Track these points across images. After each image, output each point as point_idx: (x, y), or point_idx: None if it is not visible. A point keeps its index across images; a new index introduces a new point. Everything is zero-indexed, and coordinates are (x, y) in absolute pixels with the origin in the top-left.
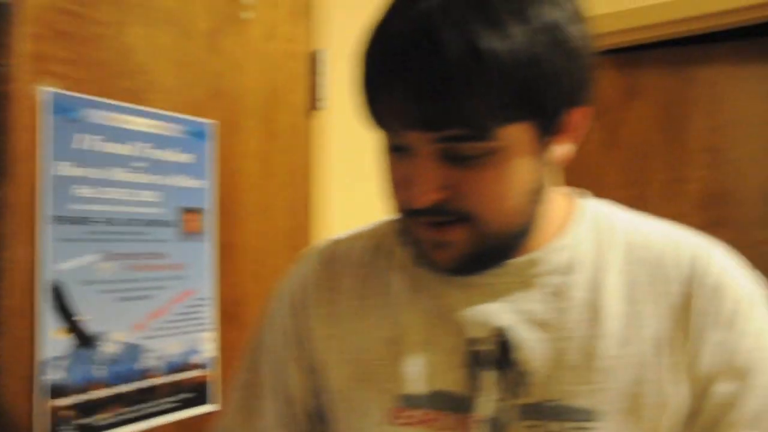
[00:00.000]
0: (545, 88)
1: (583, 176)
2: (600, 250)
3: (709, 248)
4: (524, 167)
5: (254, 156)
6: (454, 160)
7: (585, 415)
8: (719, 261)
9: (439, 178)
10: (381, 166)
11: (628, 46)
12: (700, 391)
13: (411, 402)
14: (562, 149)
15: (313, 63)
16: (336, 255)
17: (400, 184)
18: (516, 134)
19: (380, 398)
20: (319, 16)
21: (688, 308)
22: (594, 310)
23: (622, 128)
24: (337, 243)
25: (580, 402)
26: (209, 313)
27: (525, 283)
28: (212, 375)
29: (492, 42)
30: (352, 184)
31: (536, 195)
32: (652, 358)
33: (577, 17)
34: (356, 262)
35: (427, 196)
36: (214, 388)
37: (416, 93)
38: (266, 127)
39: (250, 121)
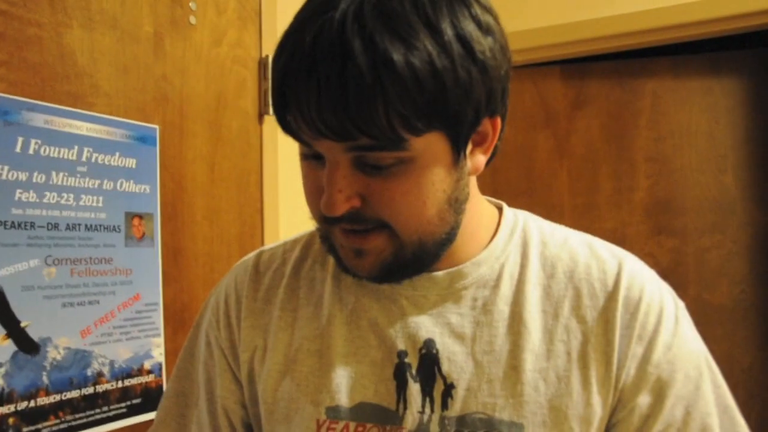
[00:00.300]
0: (456, 100)
1: (533, 184)
2: (524, 263)
3: (630, 262)
4: (438, 176)
5: (201, 161)
6: (366, 168)
7: (510, 427)
8: (640, 275)
9: (353, 187)
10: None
11: (576, 57)
12: (624, 404)
13: (334, 414)
14: (476, 159)
15: (262, 68)
16: (269, 266)
17: (315, 192)
18: (428, 144)
19: (307, 410)
20: (267, 21)
21: (612, 322)
22: (516, 324)
23: (570, 137)
24: (271, 253)
25: (505, 414)
26: (157, 319)
27: (451, 295)
28: (160, 381)
29: (401, 54)
30: (300, 190)
31: (456, 204)
32: (575, 371)
33: (490, 29)
34: (289, 273)
35: (340, 205)
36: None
37: (325, 103)
38: (213, 132)
39: (196, 126)
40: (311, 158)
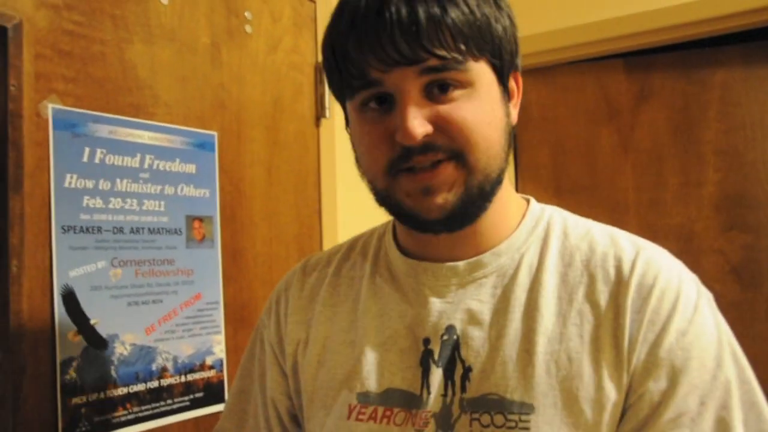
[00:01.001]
0: (497, 34)
1: (597, 180)
2: (543, 253)
3: (650, 250)
4: (496, 104)
5: (259, 164)
6: (435, 94)
7: (521, 407)
8: (657, 262)
9: (425, 113)
10: (354, 138)
11: (640, 49)
12: (635, 389)
13: (365, 399)
14: (513, 111)
15: (318, 73)
16: (315, 267)
17: (379, 141)
18: (481, 71)
19: (341, 396)
20: (323, 27)
21: (623, 306)
22: (531, 309)
23: (635, 131)
24: (318, 257)
25: (516, 395)
26: (218, 317)
27: (471, 284)
28: (221, 376)
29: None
30: (358, 190)
31: (508, 139)
32: (587, 354)
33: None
34: (332, 272)
35: (418, 130)
36: (223, 389)
37: (399, 32)
38: (270, 137)
39: (253, 131)
40: (372, 105)
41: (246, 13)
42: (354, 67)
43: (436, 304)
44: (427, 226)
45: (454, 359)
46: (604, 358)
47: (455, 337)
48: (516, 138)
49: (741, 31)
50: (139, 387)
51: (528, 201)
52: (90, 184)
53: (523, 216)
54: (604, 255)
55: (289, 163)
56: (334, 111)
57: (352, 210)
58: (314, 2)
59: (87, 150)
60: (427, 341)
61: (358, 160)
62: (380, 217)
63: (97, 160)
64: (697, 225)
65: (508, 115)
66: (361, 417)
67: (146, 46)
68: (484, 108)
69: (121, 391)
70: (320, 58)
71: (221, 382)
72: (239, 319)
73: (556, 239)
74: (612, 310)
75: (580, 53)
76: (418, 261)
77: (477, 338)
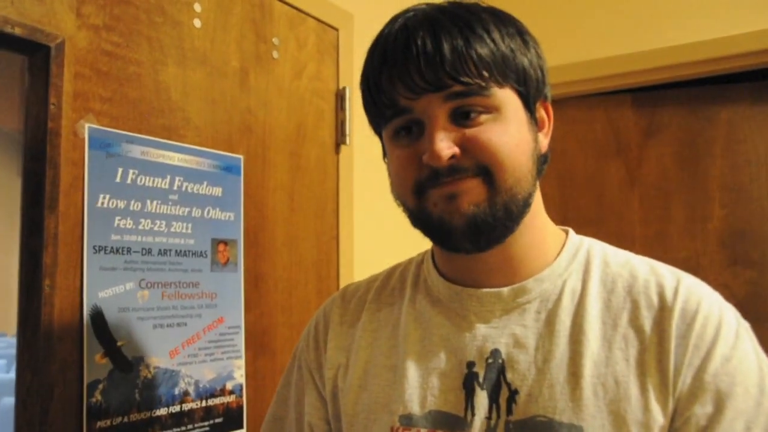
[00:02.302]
0: (521, 63)
1: (604, 213)
2: (585, 279)
3: (690, 279)
4: (522, 129)
5: (282, 189)
6: (460, 119)
7: (570, 429)
8: (698, 290)
9: (452, 136)
10: (389, 163)
11: (648, 85)
12: (681, 413)
13: (408, 422)
14: (541, 141)
15: (339, 100)
16: (355, 294)
17: (409, 163)
18: (506, 98)
19: (383, 419)
20: (344, 55)
21: (668, 332)
22: (576, 333)
23: (642, 166)
24: (356, 285)
25: (565, 417)
26: (239, 342)
27: (515, 309)
28: (241, 401)
29: (480, 25)
30: (377, 217)
31: (537, 164)
32: (633, 378)
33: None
34: (371, 299)
35: (445, 151)
36: (243, 414)
37: (425, 62)
38: (293, 162)
39: (277, 156)
40: (402, 133)
41: (274, 39)
42: (386, 97)
43: (481, 328)
44: (454, 238)
45: (499, 382)
46: (650, 382)
47: (500, 360)
48: None
49: (747, 71)
50: (162, 411)
51: (566, 232)
52: (122, 204)
53: (563, 245)
54: (646, 282)
55: (309, 188)
56: (354, 138)
57: (368, 237)
58: (337, 30)
59: (120, 170)
60: (471, 364)
61: (392, 186)
62: (396, 245)
63: (129, 181)
64: (703, 259)
65: (536, 141)
66: None
67: (179, 68)
68: (510, 131)
69: (144, 415)
70: (341, 85)
71: (240, 408)
72: (259, 345)
73: (597, 267)
74: (657, 335)
75: (589, 88)
76: (462, 287)
77: (523, 362)
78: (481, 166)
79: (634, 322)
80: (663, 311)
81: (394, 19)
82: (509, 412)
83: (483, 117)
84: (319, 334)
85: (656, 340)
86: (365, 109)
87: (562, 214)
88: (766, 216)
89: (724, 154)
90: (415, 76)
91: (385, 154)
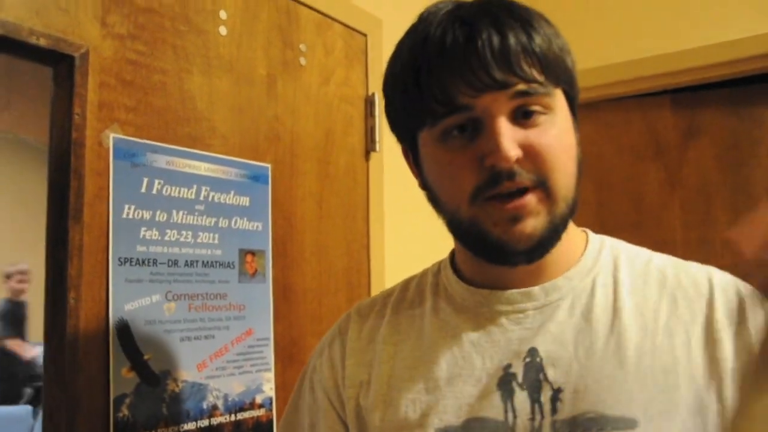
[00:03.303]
0: (569, 65)
1: (643, 217)
2: (615, 275)
3: (719, 271)
4: (571, 131)
5: (310, 198)
6: (521, 119)
7: (625, 422)
8: (727, 277)
9: (515, 136)
10: (431, 169)
11: (688, 86)
12: (729, 389)
13: None
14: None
15: (368, 106)
16: (371, 309)
17: (464, 168)
18: (559, 99)
19: None
20: (373, 60)
21: (714, 322)
22: (616, 327)
23: (683, 169)
24: (371, 301)
25: (617, 411)
26: (268, 354)
27: (548, 307)
28: (270, 415)
29: (536, 23)
30: (408, 224)
31: (580, 169)
32: (681, 367)
33: None
34: (390, 312)
35: (512, 151)
36: (272, 428)
37: (491, 59)
38: (322, 169)
39: (305, 164)
40: (455, 133)
41: (301, 46)
42: (441, 92)
43: (514, 330)
44: (511, 257)
45: (539, 381)
46: (700, 370)
47: (539, 359)
48: None
49: None
50: (190, 426)
51: (585, 232)
52: (147, 215)
53: (585, 244)
54: (676, 277)
55: (339, 196)
56: (384, 144)
57: (399, 244)
58: (365, 36)
59: (145, 180)
60: (508, 366)
61: (432, 194)
62: (427, 252)
63: (154, 191)
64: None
65: (579, 144)
66: None
67: (205, 77)
68: (563, 135)
69: (172, 429)
70: (371, 90)
71: (270, 422)
72: (288, 356)
73: (625, 263)
74: (701, 325)
75: (626, 90)
76: (489, 290)
77: (563, 359)
78: (541, 179)
79: (675, 313)
80: (700, 300)
81: (429, 15)
82: (554, 411)
83: (542, 118)
84: (335, 353)
85: (701, 329)
86: (399, 106)
87: (600, 220)
88: None
89: None
90: (480, 73)
91: (411, 156)
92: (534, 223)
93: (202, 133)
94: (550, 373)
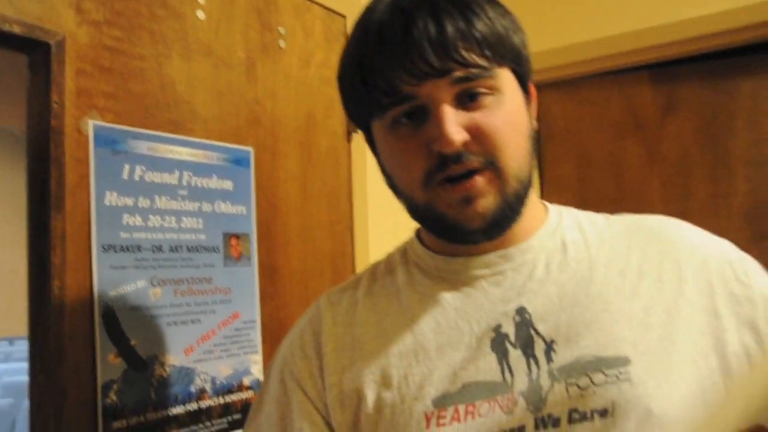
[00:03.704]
0: (517, 43)
1: (623, 193)
2: (581, 232)
3: (673, 219)
4: (521, 110)
5: (293, 180)
6: (466, 102)
7: (617, 362)
8: (682, 223)
9: (461, 120)
10: (385, 157)
11: (665, 61)
12: (721, 326)
13: (442, 402)
14: (533, 118)
15: None
16: (342, 295)
17: (413, 153)
18: (505, 78)
19: (414, 409)
20: None
21: (678, 263)
22: (595, 275)
23: (662, 143)
24: (339, 288)
25: (610, 351)
26: (255, 336)
27: (525, 267)
28: None
29: (479, 7)
30: (391, 205)
31: (533, 145)
32: (662, 305)
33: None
34: (362, 294)
35: (456, 136)
36: None
37: (428, 47)
38: (304, 152)
39: (287, 147)
40: (404, 120)
41: (280, 28)
42: (385, 84)
43: (496, 292)
44: (469, 237)
45: (531, 338)
46: (676, 307)
47: (527, 316)
48: (540, 151)
49: None
50: (178, 410)
51: (543, 203)
52: (130, 201)
53: (546, 210)
54: (636, 223)
55: (322, 178)
56: None
57: (383, 226)
58: (344, 17)
59: (127, 167)
60: (498, 327)
61: (390, 180)
62: (410, 233)
63: (136, 177)
64: (728, 236)
65: (531, 119)
66: (442, 422)
67: (184, 61)
68: (512, 114)
69: (161, 414)
70: None
71: None
72: (275, 338)
73: (586, 222)
74: (671, 264)
75: (605, 66)
76: (465, 257)
77: (551, 312)
78: (489, 160)
79: (645, 258)
80: (666, 243)
81: (373, 4)
82: (549, 361)
83: (488, 99)
84: (307, 344)
85: (669, 267)
86: (350, 99)
87: (581, 196)
88: None
89: (748, 128)
90: (419, 62)
91: (372, 145)
92: (485, 203)
93: (182, 118)
94: (541, 327)
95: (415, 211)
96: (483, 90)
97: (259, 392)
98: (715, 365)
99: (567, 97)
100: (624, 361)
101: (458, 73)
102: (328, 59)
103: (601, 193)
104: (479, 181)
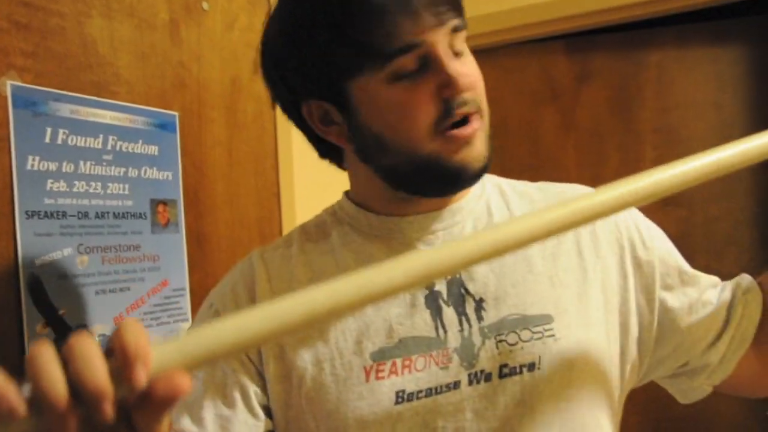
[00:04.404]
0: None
1: (540, 159)
2: (504, 197)
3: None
4: None
5: (220, 146)
6: (457, 54)
7: (541, 319)
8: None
9: (459, 68)
10: (382, 112)
11: (580, 30)
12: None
13: (380, 356)
14: None
15: None
16: (274, 252)
17: (426, 100)
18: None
19: (353, 363)
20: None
21: (595, 226)
22: None
23: (576, 111)
24: (273, 244)
25: (535, 310)
26: (185, 304)
27: (455, 227)
28: None
29: None
30: (317, 171)
31: None
32: (577, 267)
33: None
34: (296, 252)
35: (471, 77)
36: None
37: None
38: (230, 117)
39: (213, 112)
40: (408, 69)
41: None
42: (388, 33)
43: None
44: (468, 181)
45: (462, 296)
46: (591, 267)
47: (458, 276)
48: None
49: (675, 14)
50: None
51: None
52: (53, 166)
53: None
54: (551, 189)
55: (248, 144)
56: None
57: (310, 192)
58: None
59: (49, 130)
60: (431, 285)
61: (372, 140)
62: (338, 197)
63: (59, 141)
64: None
65: None
66: (380, 375)
67: (105, 20)
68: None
69: None
70: None
71: None
72: None
73: (507, 188)
74: (588, 232)
75: (522, 35)
76: (399, 217)
77: (480, 272)
78: (478, 104)
79: None
80: None
81: None
82: (480, 319)
83: (465, 52)
84: (240, 296)
85: (586, 231)
86: (316, 59)
87: (499, 162)
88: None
89: (655, 97)
90: (424, 10)
91: (343, 107)
92: (480, 145)
93: (105, 80)
94: (471, 286)
95: (416, 163)
96: (462, 44)
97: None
98: (617, 322)
99: (487, 65)
100: (548, 319)
101: (454, 22)
102: (251, 23)
103: (519, 160)
104: (476, 123)
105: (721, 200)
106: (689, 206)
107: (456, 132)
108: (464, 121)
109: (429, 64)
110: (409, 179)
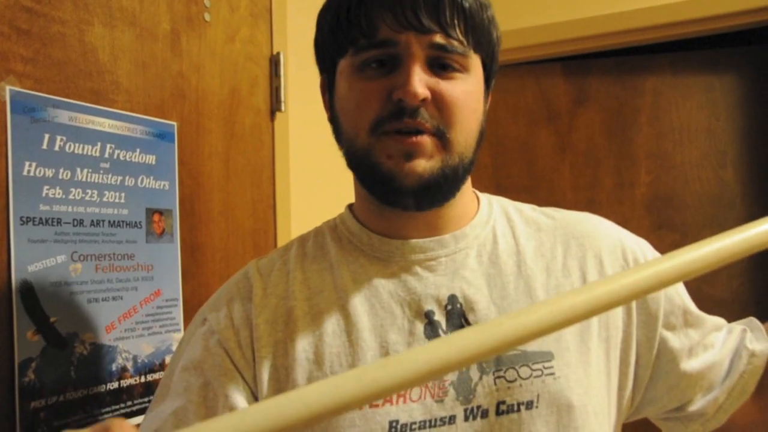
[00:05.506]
0: (492, 37)
1: (536, 180)
2: (511, 224)
3: (595, 216)
4: (480, 98)
5: (217, 157)
6: (436, 69)
7: (542, 356)
8: (605, 221)
9: (428, 81)
10: (342, 97)
11: (578, 54)
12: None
13: None
14: (485, 113)
15: (273, 66)
16: (271, 267)
17: (372, 99)
18: (475, 65)
19: None
20: (278, 19)
21: (603, 260)
22: (523, 269)
23: (572, 134)
24: (267, 259)
25: (535, 346)
26: (177, 314)
27: (458, 254)
28: None
29: None
30: (313, 184)
31: (480, 137)
32: None
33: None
34: (293, 268)
35: (420, 90)
36: None
37: (422, 1)
38: (228, 129)
39: (211, 122)
40: (374, 65)
41: (205, 1)
42: (367, 25)
43: (429, 278)
44: (400, 195)
45: (462, 326)
46: None
47: (459, 305)
48: None
49: (671, 41)
50: (99, 388)
51: (474, 191)
52: (50, 173)
53: (478, 200)
54: (562, 218)
55: (245, 156)
56: (289, 105)
57: (305, 205)
58: None
59: (47, 136)
60: (430, 313)
61: (336, 125)
62: (332, 213)
63: (57, 148)
64: (630, 224)
65: (484, 113)
66: (375, 403)
67: (106, 29)
68: (472, 96)
69: (81, 393)
70: (275, 50)
71: None
72: None
73: (514, 213)
74: (594, 259)
75: (521, 56)
76: (402, 240)
77: (481, 302)
78: (441, 128)
79: (569, 253)
80: (590, 239)
81: None
82: None
83: (457, 74)
84: (236, 313)
85: (594, 263)
86: (325, 34)
87: (495, 182)
88: (688, 182)
89: (649, 122)
90: (408, 11)
91: (327, 88)
92: (425, 165)
93: (105, 88)
94: (471, 317)
95: (352, 156)
96: (456, 65)
97: (172, 358)
98: (618, 358)
99: None
100: (548, 356)
101: (438, 39)
102: (253, 35)
103: (515, 180)
104: (426, 141)
105: (713, 226)
106: (682, 231)
107: (394, 136)
108: (416, 133)
109: (397, 66)
110: (355, 171)
